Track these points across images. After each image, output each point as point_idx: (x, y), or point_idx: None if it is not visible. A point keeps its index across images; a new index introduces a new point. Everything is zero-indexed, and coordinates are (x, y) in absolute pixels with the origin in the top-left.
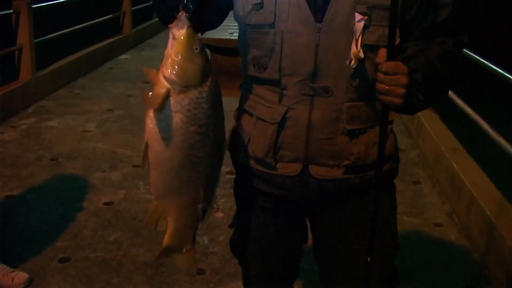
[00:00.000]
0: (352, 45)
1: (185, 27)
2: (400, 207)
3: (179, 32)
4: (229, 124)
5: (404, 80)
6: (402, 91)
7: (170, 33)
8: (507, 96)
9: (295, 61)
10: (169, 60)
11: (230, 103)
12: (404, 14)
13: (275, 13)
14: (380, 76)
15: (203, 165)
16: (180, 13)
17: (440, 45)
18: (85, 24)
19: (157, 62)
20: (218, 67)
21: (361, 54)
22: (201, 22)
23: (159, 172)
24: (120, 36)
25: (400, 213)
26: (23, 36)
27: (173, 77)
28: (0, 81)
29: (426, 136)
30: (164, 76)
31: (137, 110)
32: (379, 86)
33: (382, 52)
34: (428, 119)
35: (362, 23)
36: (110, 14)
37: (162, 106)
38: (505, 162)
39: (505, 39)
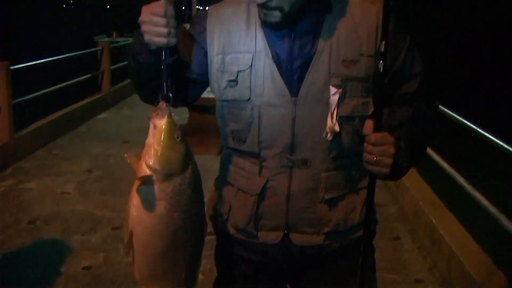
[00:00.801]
0: (328, 118)
1: (166, 116)
2: (381, 263)
3: (160, 122)
4: (208, 182)
5: (392, 150)
6: (390, 160)
7: (150, 122)
8: (482, 151)
9: (273, 134)
10: (152, 150)
11: (209, 161)
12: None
13: (250, 88)
14: (369, 147)
15: (187, 249)
16: (160, 103)
17: (415, 111)
18: (64, 84)
19: (136, 120)
20: (197, 125)
21: (337, 128)
22: (179, 95)
23: (144, 258)
24: (99, 95)
25: (381, 270)
26: (2, 97)
27: (157, 167)
28: None
29: (405, 191)
30: (147, 165)
31: (117, 170)
32: (368, 157)
33: (369, 124)
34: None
35: (337, 96)
36: (88, 73)
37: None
38: (482, 216)
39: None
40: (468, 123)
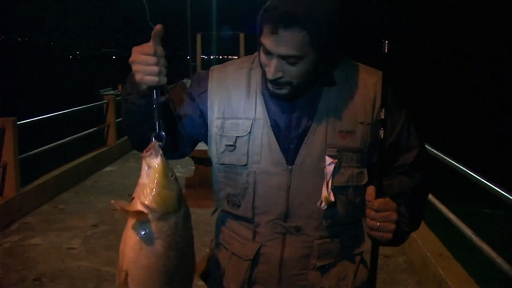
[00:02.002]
0: (323, 188)
1: (159, 155)
2: None
3: (153, 161)
4: (210, 236)
5: (394, 216)
6: (393, 226)
7: (143, 162)
8: (489, 203)
9: (267, 201)
10: (147, 190)
11: (214, 215)
12: (372, 154)
13: (248, 154)
14: (371, 213)
15: (181, 287)
16: (153, 142)
17: (411, 179)
18: (70, 138)
19: None
20: (202, 179)
21: (332, 198)
22: (171, 144)
23: None
24: (104, 148)
25: None
26: (8, 153)
27: (154, 206)
28: None
29: (412, 241)
30: (143, 205)
31: (123, 225)
32: (371, 223)
33: (371, 190)
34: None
35: (332, 167)
36: (94, 127)
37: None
38: (491, 267)
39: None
40: (471, 173)
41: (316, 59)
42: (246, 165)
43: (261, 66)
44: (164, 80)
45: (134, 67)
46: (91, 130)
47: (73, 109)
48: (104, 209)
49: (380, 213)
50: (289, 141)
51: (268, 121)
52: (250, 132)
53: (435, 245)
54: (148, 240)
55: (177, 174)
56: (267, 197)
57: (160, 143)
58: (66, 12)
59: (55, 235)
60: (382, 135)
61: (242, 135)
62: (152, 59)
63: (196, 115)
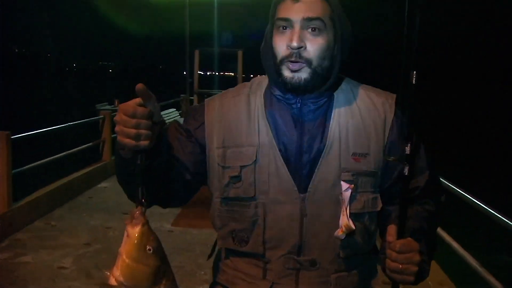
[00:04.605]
0: (341, 216)
1: (139, 225)
2: None
3: (132, 231)
4: (205, 258)
5: (417, 257)
6: (415, 268)
7: (125, 229)
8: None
9: (279, 234)
10: (120, 261)
11: (210, 235)
12: (385, 180)
13: (255, 185)
14: (393, 254)
15: None
16: (133, 210)
17: (424, 207)
18: (65, 153)
19: None
20: (197, 196)
21: (352, 225)
22: (165, 198)
23: None
24: (99, 164)
25: None
26: (1, 168)
27: (122, 280)
28: None
29: None
30: (113, 276)
31: (116, 244)
32: (393, 265)
33: (392, 230)
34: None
35: (349, 192)
36: (89, 142)
37: None
38: None
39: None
40: (475, 200)
41: (335, 40)
42: (254, 196)
43: (275, 52)
44: (144, 145)
45: (116, 128)
46: (86, 145)
47: (68, 124)
48: (97, 226)
49: (402, 254)
50: (301, 166)
51: (275, 145)
52: (255, 160)
53: (437, 273)
54: None
55: None
56: (279, 229)
57: (143, 210)
58: (64, 23)
59: (46, 253)
60: (407, 172)
61: (247, 164)
62: (131, 122)
63: (197, 153)
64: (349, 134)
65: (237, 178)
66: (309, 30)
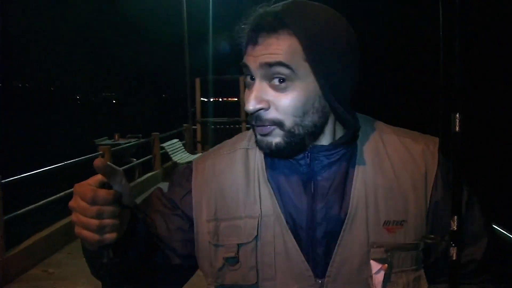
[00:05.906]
0: None
1: None
2: None
3: None
4: None
5: None
6: None
7: None
8: None
9: None
10: None
11: None
12: (429, 254)
13: (257, 269)
14: None
15: None
16: None
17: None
18: (62, 194)
19: None
20: None
21: None
22: None
23: None
24: None
25: None
26: None
27: None
28: None
29: None
30: None
31: None
32: None
33: None
34: None
35: (381, 274)
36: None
37: None
38: None
39: None
40: None
41: (320, 85)
42: (256, 283)
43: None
44: (111, 238)
45: (72, 216)
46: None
47: (65, 163)
48: None
49: None
50: (315, 243)
51: (281, 216)
52: (257, 235)
53: None
54: None
55: None
56: None
57: None
58: (69, 55)
59: None
60: (454, 256)
61: (246, 241)
62: (90, 210)
63: (185, 228)
64: (379, 197)
65: (233, 260)
66: (275, 81)
